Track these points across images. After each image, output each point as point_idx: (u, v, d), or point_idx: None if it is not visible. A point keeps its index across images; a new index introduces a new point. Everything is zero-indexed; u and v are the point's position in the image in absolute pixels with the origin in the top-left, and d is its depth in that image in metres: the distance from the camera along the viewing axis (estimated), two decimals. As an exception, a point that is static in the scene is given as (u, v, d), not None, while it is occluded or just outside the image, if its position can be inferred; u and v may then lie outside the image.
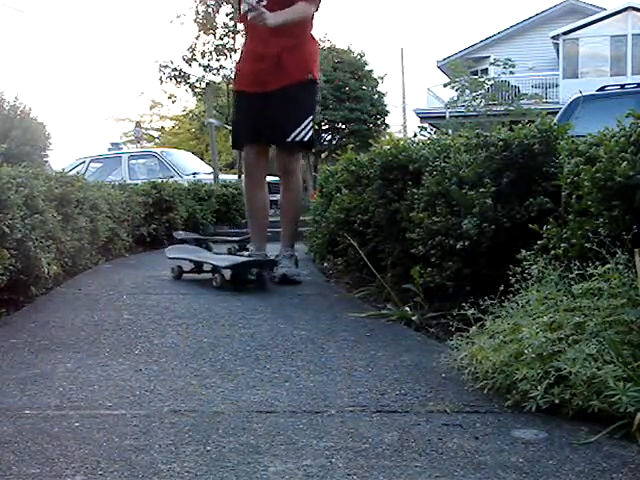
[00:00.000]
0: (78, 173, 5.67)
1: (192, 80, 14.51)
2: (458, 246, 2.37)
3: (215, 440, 1.44)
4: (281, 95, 3.60)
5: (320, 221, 4.19)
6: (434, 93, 24.60)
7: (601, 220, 1.84)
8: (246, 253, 3.97)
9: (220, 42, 14.06)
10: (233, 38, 14.05)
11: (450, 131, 16.70)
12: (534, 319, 1.68)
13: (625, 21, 22.66)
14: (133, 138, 25.63)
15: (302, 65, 3.65)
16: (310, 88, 3.73)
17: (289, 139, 3.63)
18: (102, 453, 1.37)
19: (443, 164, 2.63)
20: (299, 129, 3.62)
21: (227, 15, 13.96)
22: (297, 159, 3.85)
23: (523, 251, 1.96)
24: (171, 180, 7.24)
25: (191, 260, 3.82)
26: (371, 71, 25.41)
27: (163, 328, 2.54)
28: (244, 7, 3.59)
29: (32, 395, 1.75)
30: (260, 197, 3.86)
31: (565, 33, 22.90)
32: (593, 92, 7.54)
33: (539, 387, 1.51)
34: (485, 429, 1.49)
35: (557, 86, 22.77)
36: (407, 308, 2.63)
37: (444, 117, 20.37)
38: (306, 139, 3.65)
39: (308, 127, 3.64)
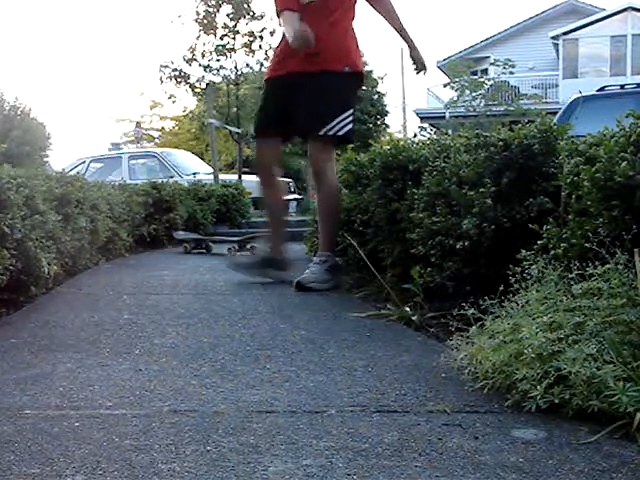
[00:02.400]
0: (78, 173, 5.68)
1: (192, 80, 14.50)
2: (458, 246, 2.37)
3: (215, 440, 1.44)
4: (313, 84, 3.33)
5: (320, 221, 4.18)
6: (434, 93, 24.59)
7: (601, 220, 1.84)
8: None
9: (220, 42, 14.06)
10: (233, 38, 14.06)
11: (450, 131, 16.70)
12: (534, 319, 1.68)
13: (625, 21, 22.66)
14: (133, 138, 25.62)
15: (340, 54, 3.39)
16: (348, 80, 3.41)
17: (321, 133, 3.32)
18: (102, 453, 1.37)
19: (443, 164, 2.63)
20: (334, 122, 3.32)
21: (227, 15, 13.97)
22: (329, 157, 3.46)
23: (523, 251, 1.96)
24: (171, 180, 7.24)
25: None
26: (371, 71, 25.41)
27: (163, 328, 2.54)
28: None
29: (32, 395, 1.75)
30: (270, 195, 3.63)
31: (565, 33, 22.90)
32: (593, 92, 7.55)
33: (539, 387, 1.51)
34: (485, 429, 1.49)
35: (557, 86, 22.78)
36: (407, 308, 2.63)
37: (444, 117, 20.38)
38: (341, 133, 3.34)
39: (346, 121, 3.34)
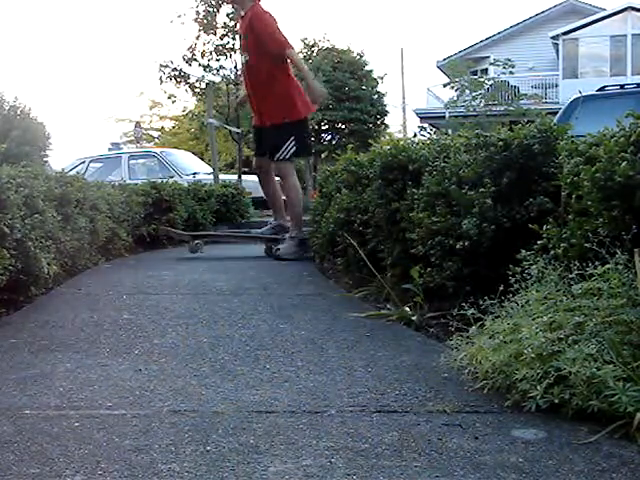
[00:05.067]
0: (78, 173, 5.66)
1: (192, 80, 14.49)
2: (458, 246, 2.37)
3: (215, 440, 1.44)
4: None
5: (320, 221, 4.19)
6: (434, 93, 24.59)
7: (601, 220, 1.84)
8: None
9: (220, 42, 14.03)
10: (233, 38, 14.03)
11: (450, 131, 16.69)
12: (534, 319, 1.68)
13: (625, 21, 22.64)
14: (133, 138, 25.60)
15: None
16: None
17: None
18: (102, 453, 1.37)
19: (443, 164, 2.63)
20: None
21: (227, 15, 13.94)
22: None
23: (523, 251, 1.96)
24: (171, 180, 7.22)
25: None
26: (371, 71, 25.41)
27: (163, 328, 2.54)
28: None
29: (32, 395, 1.75)
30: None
31: (565, 33, 22.88)
32: (593, 92, 7.54)
33: (539, 387, 1.51)
34: (485, 429, 1.49)
35: (557, 86, 22.76)
36: (407, 308, 2.63)
37: (444, 117, 20.36)
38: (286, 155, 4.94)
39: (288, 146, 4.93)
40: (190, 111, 20.40)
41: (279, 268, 4.31)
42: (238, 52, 15.32)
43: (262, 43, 4.76)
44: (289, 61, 4.83)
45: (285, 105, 4.86)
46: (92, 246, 4.27)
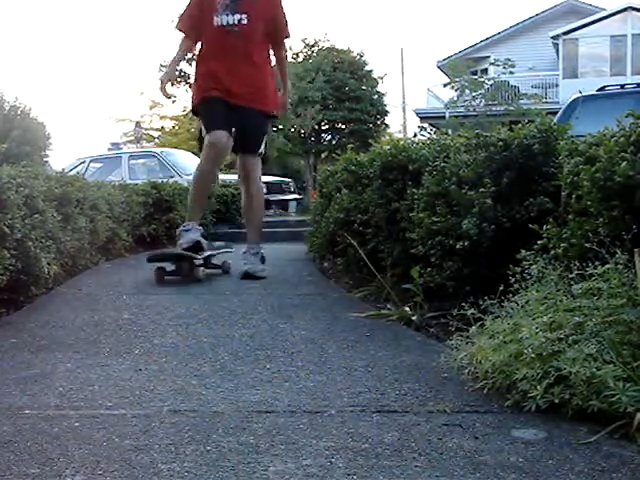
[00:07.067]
0: (78, 173, 5.67)
1: (192, 80, 14.51)
2: (458, 246, 2.37)
3: (215, 440, 1.44)
4: None
5: (320, 221, 4.19)
6: (434, 93, 24.57)
7: (601, 220, 1.84)
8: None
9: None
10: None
11: (450, 131, 16.68)
12: (534, 319, 1.68)
13: (625, 21, 22.64)
14: (133, 138, 25.59)
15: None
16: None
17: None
18: (102, 453, 1.37)
19: (443, 164, 2.63)
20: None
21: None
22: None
23: (523, 251, 1.96)
24: (171, 180, 7.23)
25: None
26: (371, 71, 25.38)
27: (163, 328, 2.54)
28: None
29: (32, 395, 1.75)
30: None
31: (565, 33, 22.88)
32: (593, 92, 7.53)
33: (539, 387, 1.51)
34: (485, 429, 1.49)
35: (557, 86, 22.74)
36: (407, 308, 2.63)
37: (444, 117, 20.36)
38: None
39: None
40: (190, 111, 20.40)
41: (279, 268, 4.31)
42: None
43: (277, 22, 4.08)
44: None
45: (273, 95, 4.14)
46: (92, 246, 4.27)
